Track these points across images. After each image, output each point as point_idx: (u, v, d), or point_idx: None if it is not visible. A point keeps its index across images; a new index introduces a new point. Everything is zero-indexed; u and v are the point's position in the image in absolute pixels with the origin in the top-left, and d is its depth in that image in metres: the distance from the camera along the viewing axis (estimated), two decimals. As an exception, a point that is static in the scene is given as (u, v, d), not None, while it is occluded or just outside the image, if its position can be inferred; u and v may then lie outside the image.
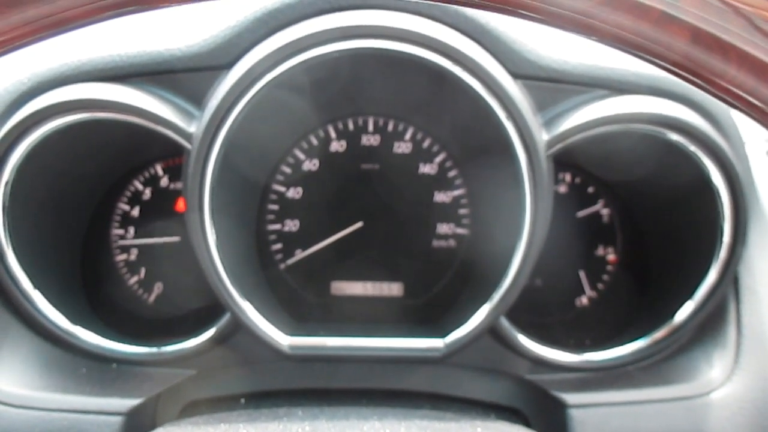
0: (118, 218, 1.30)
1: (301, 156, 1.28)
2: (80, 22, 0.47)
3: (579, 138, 1.02)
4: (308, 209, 1.30)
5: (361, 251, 1.30)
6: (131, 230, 1.30)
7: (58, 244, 1.18)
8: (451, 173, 1.29)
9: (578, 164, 1.29)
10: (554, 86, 1.04)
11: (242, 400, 1.12)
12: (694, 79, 0.45)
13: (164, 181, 1.30)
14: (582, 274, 1.33)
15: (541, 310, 1.30)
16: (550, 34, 1.05)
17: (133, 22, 1.09)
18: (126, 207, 1.30)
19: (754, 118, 0.47)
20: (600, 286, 1.34)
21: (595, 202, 1.33)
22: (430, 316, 1.23)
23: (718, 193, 1.05)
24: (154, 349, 1.10)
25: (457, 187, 1.30)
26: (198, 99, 1.03)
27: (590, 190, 1.33)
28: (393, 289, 1.31)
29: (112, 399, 1.00)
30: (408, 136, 1.29)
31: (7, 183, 1.02)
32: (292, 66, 0.96)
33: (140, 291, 1.30)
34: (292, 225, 1.30)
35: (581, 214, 1.33)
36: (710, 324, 1.10)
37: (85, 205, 1.25)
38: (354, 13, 0.98)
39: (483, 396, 1.14)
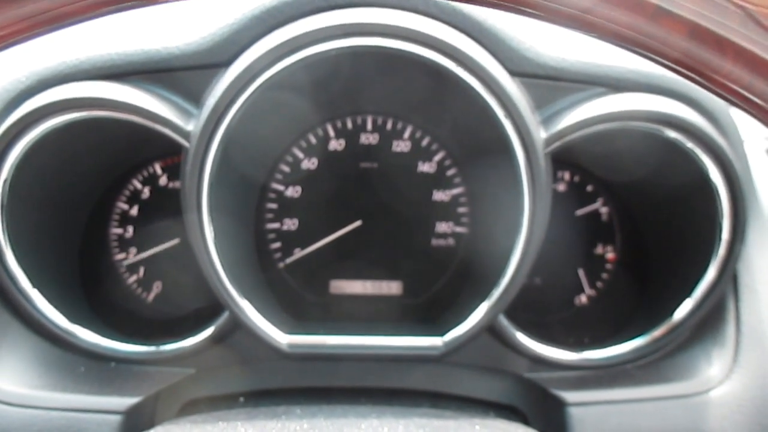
0: (117, 217, 1.30)
1: (300, 155, 1.28)
2: (77, 18, 0.47)
3: (577, 135, 1.02)
4: (307, 208, 1.30)
5: (360, 250, 1.30)
6: (130, 229, 1.30)
7: (57, 243, 1.18)
8: (450, 172, 1.29)
9: (577, 163, 1.29)
10: (552, 84, 1.04)
11: (241, 399, 1.12)
12: (691, 75, 0.45)
13: (163, 180, 1.30)
14: (581, 273, 1.33)
15: (540, 308, 1.30)
16: (548, 32, 1.05)
17: (131, 20, 1.08)
18: (125, 206, 1.30)
19: (751, 114, 0.47)
20: (599, 284, 1.34)
21: (594, 201, 1.33)
22: (429, 314, 1.23)
23: (716, 190, 1.05)
24: (152, 348, 1.10)
25: (456, 186, 1.30)
26: (196, 97, 1.03)
27: (589, 188, 1.33)
28: (392, 287, 1.31)
29: (110, 398, 1.00)
30: (407, 134, 1.29)
31: (5, 181, 1.02)
32: (290, 64, 0.96)
33: (139, 290, 1.30)
34: (291, 224, 1.30)
35: (580, 212, 1.33)
36: (709, 322, 1.10)
37: (84, 203, 1.25)
38: (351, 11, 0.98)
39: (482, 394, 1.14)
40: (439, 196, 1.30)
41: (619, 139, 1.08)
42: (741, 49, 0.40)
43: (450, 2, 0.98)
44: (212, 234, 1.02)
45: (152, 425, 0.94)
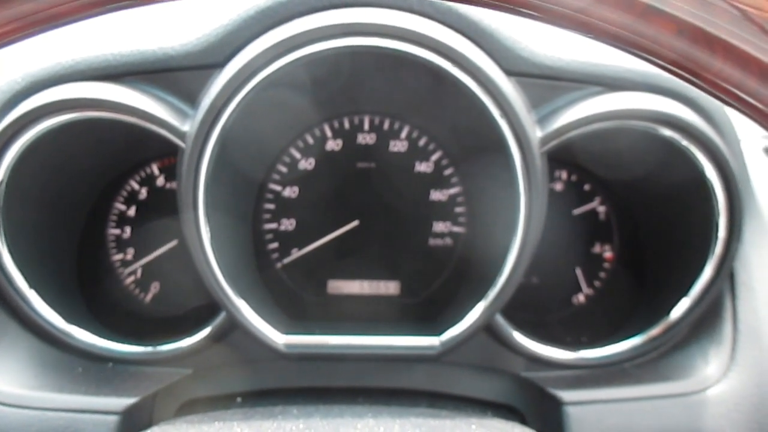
0: (114, 218, 1.30)
1: (297, 155, 1.28)
2: (71, 18, 0.46)
3: (573, 135, 1.02)
4: (304, 208, 1.30)
5: (358, 250, 1.30)
6: (127, 230, 1.30)
7: (54, 244, 1.18)
8: (447, 171, 1.29)
9: (574, 162, 1.29)
10: (548, 83, 1.04)
11: (239, 399, 1.12)
12: (684, 74, 0.45)
13: (160, 181, 1.30)
14: (578, 272, 1.33)
15: (537, 307, 1.30)
16: (544, 32, 1.05)
17: (126, 20, 1.09)
18: (122, 206, 1.30)
19: (744, 113, 0.47)
20: (596, 283, 1.34)
21: (591, 200, 1.33)
22: (427, 314, 1.23)
23: (713, 189, 1.05)
24: (150, 349, 1.10)
25: (453, 186, 1.30)
26: (192, 97, 1.03)
27: (586, 187, 1.33)
28: (390, 287, 1.31)
29: (108, 398, 1.00)
30: (404, 134, 1.29)
31: (1, 182, 1.02)
32: (286, 64, 0.96)
33: (137, 290, 1.30)
34: (288, 224, 1.30)
35: (577, 211, 1.33)
36: (706, 320, 1.10)
37: (81, 204, 1.25)
38: (347, 11, 0.98)
39: (479, 394, 1.14)
40: (436, 195, 1.30)
41: (615, 138, 1.08)
42: (730, 47, 0.40)
43: (445, 2, 0.98)
44: (209, 234, 1.02)
45: (150, 425, 0.94)
